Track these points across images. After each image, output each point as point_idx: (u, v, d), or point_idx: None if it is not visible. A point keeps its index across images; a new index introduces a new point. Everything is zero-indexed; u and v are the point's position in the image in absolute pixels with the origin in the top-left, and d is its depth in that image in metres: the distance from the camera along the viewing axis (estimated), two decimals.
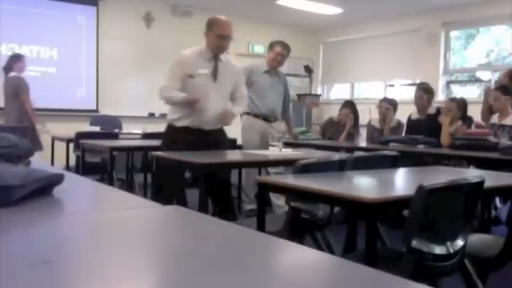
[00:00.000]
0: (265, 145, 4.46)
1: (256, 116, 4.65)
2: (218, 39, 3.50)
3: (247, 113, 4.68)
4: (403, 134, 5.05)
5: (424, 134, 4.61)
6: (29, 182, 1.20)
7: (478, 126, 4.96)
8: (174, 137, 3.59)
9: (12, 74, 5.68)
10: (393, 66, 8.55)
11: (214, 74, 3.55)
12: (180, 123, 3.57)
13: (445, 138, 4.52)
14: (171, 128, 3.64)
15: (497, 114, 4.50)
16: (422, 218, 1.75)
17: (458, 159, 4.28)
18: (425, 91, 4.94)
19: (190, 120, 3.53)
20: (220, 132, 3.72)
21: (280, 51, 4.64)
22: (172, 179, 3.55)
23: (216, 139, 3.64)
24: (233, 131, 4.91)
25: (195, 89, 3.49)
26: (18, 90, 5.60)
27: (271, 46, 4.72)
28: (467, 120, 4.95)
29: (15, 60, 5.75)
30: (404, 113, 5.26)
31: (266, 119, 4.66)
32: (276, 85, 4.74)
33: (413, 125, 4.98)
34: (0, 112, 5.92)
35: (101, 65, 7.42)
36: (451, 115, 4.59)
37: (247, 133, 4.68)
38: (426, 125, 4.79)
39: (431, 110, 4.89)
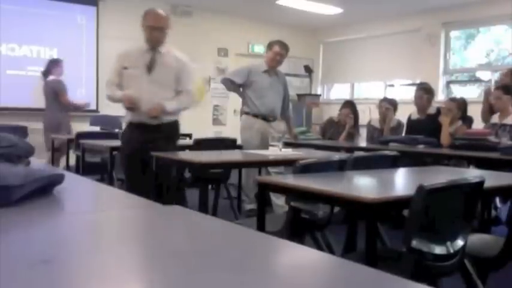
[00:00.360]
0: (264, 145, 4.46)
1: (256, 115, 4.65)
2: (149, 30, 3.54)
3: (247, 113, 4.69)
4: (403, 134, 5.05)
5: (424, 134, 4.61)
6: (29, 182, 1.20)
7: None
8: (126, 134, 3.62)
9: (51, 77, 6.05)
10: (393, 66, 8.55)
11: (149, 66, 3.50)
12: (126, 119, 3.61)
13: (445, 138, 4.52)
14: (125, 126, 3.70)
15: (498, 113, 4.49)
16: (422, 218, 1.75)
17: (458, 159, 4.28)
18: (425, 91, 4.94)
19: (131, 115, 3.52)
20: (173, 126, 3.64)
21: (278, 51, 4.65)
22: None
23: (170, 134, 3.60)
24: (233, 130, 4.93)
25: (127, 81, 3.50)
26: (57, 92, 5.99)
27: (270, 46, 4.73)
28: (467, 120, 4.94)
29: (54, 64, 6.15)
30: (404, 113, 5.26)
31: (265, 118, 4.67)
32: (275, 85, 4.74)
33: (413, 125, 4.98)
34: (40, 113, 6.27)
35: (101, 65, 7.41)
36: (451, 115, 4.59)
37: (246, 133, 4.68)
38: (426, 125, 4.78)
39: (431, 110, 4.89)
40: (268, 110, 4.67)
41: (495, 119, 4.50)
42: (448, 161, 4.26)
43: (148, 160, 3.36)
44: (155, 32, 3.56)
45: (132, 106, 3.41)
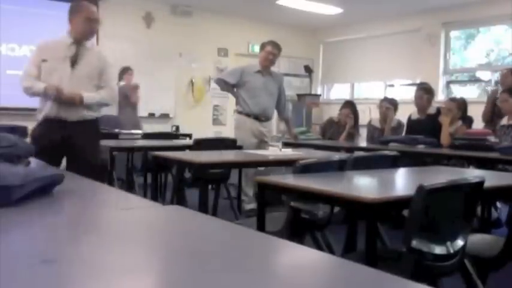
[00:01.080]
0: (257, 143, 4.55)
1: (248, 115, 4.73)
2: (87, 22, 3.41)
3: (239, 112, 4.80)
4: (403, 134, 5.05)
5: (424, 134, 4.61)
6: (29, 182, 1.20)
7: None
8: (38, 132, 3.33)
9: (121, 83, 6.41)
10: (393, 66, 8.55)
11: (73, 60, 3.36)
12: (40, 115, 3.34)
13: (445, 138, 4.52)
14: (36, 123, 3.42)
15: (507, 116, 4.51)
16: (422, 218, 1.75)
17: (458, 159, 4.28)
18: (425, 91, 4.94)
19: (49, 109, 3.29)
20: (96, 123, 3.48)
21: (271, 50, 4.75)
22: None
23: (95, 133, 3.46)
24: (233, 131, 4.95)
25: (47, 73, 3.31)
26: (128, 96, 6.45)
27: (263, 46, 4.83)
28: (467, 120, 4.95)
29: (125, 72, 6.58)
30: (405, 113, 5.26)
31: (257, 118, 4.74)
32: (269, 85, 4.81)
33: (413, 125, 4.97)
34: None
35: None
36: (451, 115, 4.60)
37: (239, 132, 4.76)
38: (426, 125, 4.78)
39: (431, 110, 4.89)
40: (260, 109, 4.73)
41: (504, 121, 4.51)
42: (448, 161, 4.26)
43: (73, 157, 3.25)
44: (93, 23, 3.46)
45: (58, 94, 3.22)
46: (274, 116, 5.10)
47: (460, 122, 4.70)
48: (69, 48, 3.38)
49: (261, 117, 4.74)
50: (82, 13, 3.43)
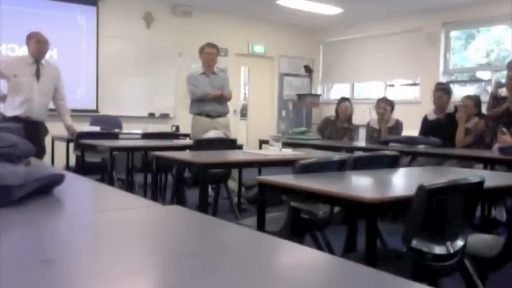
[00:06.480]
0: None
1: (200, 114, 5.08)
2: (38, 44, 4.37)
3: (194, 113, 5.16)
4: (418, 135, 5.05)
5: (444, 133, 4.62)
6: (29, 182, 1.20)
7: None
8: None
9: None
10: (393, 66, 8.55)
11: (37, 75, 4.41)
12: (11, 113, 4.33)
13: (460, 135, 4.57)
14: (3, 117, 4.39)
15: None
16: (422, 218, 1.75)
17: (459, 159, 4.27)
18: (444, 91, 5.01)
19: (21, 110, 4.33)
20: (44, 124, 4.60)
21: (210, 51, 5.16)
22: None
23: (42, 130, 4.53)
24: (233, 131, 4.96)
25: (19, 86, 4.32)
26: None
27: (201, 50, 5.21)
28: (483, 116, 4.97)
29: None
30: (404, 113, 5.28)
31: (209, 115, 5.07)
32: (214, 83, 5.13)
33: (431, 125, 4.97)
34: None
35: (101, 65, 7.42)
36: (468, 112, 4.66)
37: (194, 129, 5.07)
38: (446, 124, 4.82)
39: (449, 109, 4.94)
40: (209, 107, 5.05)
41: None
42: (445, 161, 4.26)
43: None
44: (43, 44, 4.40)
45: (23, 104, 4.33)
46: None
47: (477, 118, 4.73)
48: (31, 66, 4.38)
49: (212, 114, 5.08)
50: (34, 38, 4.37)
